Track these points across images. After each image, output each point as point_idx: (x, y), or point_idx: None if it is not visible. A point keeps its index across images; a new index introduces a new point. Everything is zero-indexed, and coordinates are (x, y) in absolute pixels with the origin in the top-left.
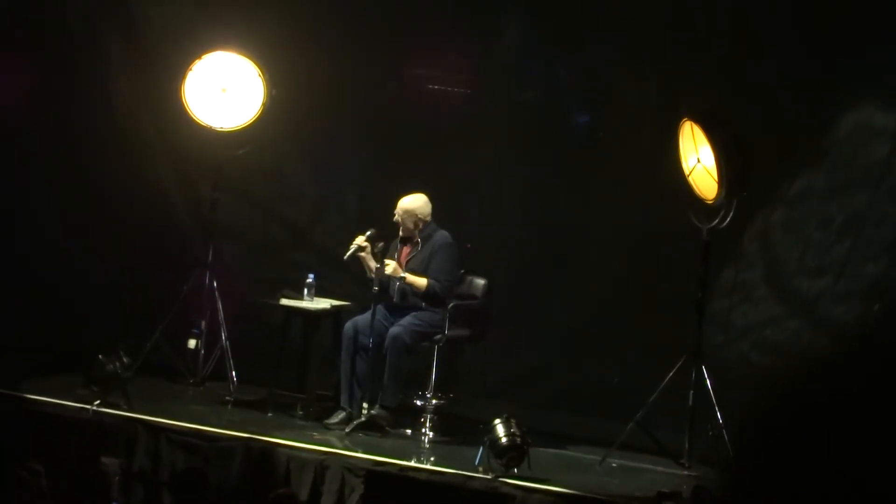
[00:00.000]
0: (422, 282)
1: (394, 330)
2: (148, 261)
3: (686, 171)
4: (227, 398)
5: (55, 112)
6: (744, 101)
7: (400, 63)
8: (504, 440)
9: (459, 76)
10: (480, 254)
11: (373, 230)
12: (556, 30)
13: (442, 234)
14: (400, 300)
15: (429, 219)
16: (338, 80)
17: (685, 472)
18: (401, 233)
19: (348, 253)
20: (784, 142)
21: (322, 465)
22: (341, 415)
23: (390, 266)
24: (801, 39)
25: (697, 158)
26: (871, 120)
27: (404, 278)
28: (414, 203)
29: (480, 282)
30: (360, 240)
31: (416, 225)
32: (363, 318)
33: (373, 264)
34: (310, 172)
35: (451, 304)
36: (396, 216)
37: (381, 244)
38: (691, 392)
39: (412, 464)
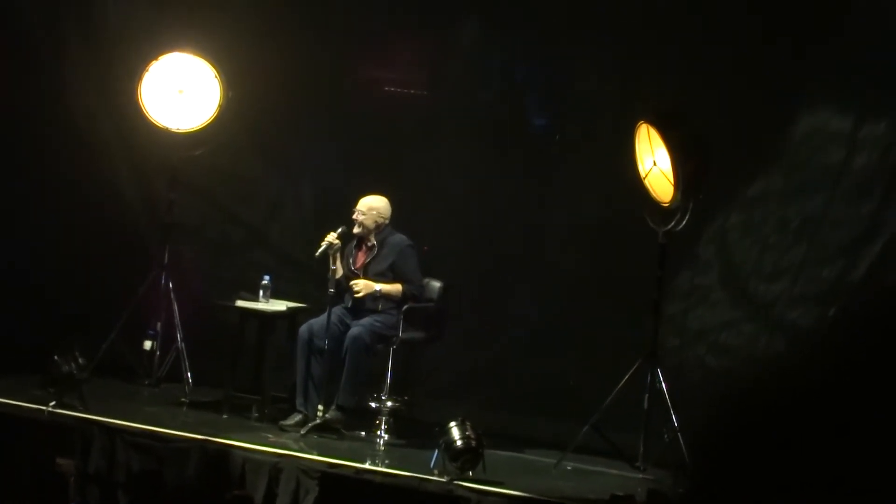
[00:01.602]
0: (397, 288)
1: (354, 330)
2: (104, 261)
3: (642, 174)
4: (183, 399)
5: (11, 111)
6: (700, 103)
7: (356, 63)
8: (459, 443)
9: (417, 75)
10: (437, 254)
11: (343, 227)
12: (513, 28)
13: (400, 237)
14: (358, 302)
15: (388, 221)
16: (294, 81)
17: (640, 476)
18: (356, 230)
19: (319, 250)
20: (741, 145)
21: (277, 467)
22: (297, 417)
23: (360, 286)
24: (760, 41)
25: (654, 161)
26: (828, 124)
27: (379, 291)
28: (378, 202)
29: (436, 284)
30: (332, 237)
31: (376, 224)
32: (318, 321)
33: (339, 266)
34: (266, 173)
35: (406, 307)
36: (357, 214)
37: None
38: (646, 395)
39: (367, 466)
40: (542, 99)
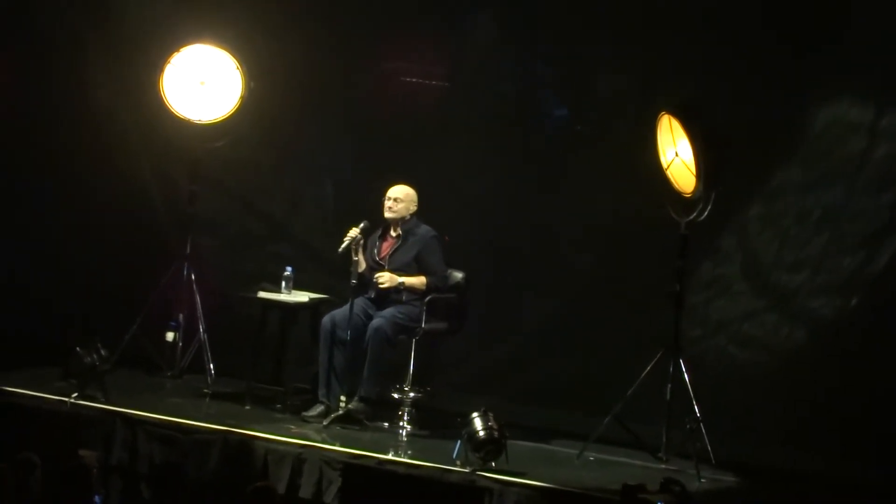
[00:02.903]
0: (421, 280)
1: (375, 321)
2: (126, 253)
3: (664, 165)
4: (205, 391)
5: (32, 106)
6: (721, 95)
7: (376, 55)
8: (482, 434)
9: (435, 69)
10: (457, 246)
11: (366, 222)
12: (531, 22)
13: (426, 229)
14: (381, 294)
15: (415, 211)
16: (315, 73)
17: (662, 466)
18: (388, 215)
19: (343, 245)
20: (762, 136)
21: (300, 458)
22: (319, 408)
23: (384, 278)
24: (777, 34)
25: (675, 152)
26: (848, 114)
27: (403, 283)
28: (410, 190)
29: (458, 275)
30: (355, 231)
31: (408, 212)
32: (341, 312)
33: (361, 259)
34: (287, 165)
35: (429, 298)
36: (390, 202)
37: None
38: (668, 385)
39: (390, 457)
40: (561, 91)
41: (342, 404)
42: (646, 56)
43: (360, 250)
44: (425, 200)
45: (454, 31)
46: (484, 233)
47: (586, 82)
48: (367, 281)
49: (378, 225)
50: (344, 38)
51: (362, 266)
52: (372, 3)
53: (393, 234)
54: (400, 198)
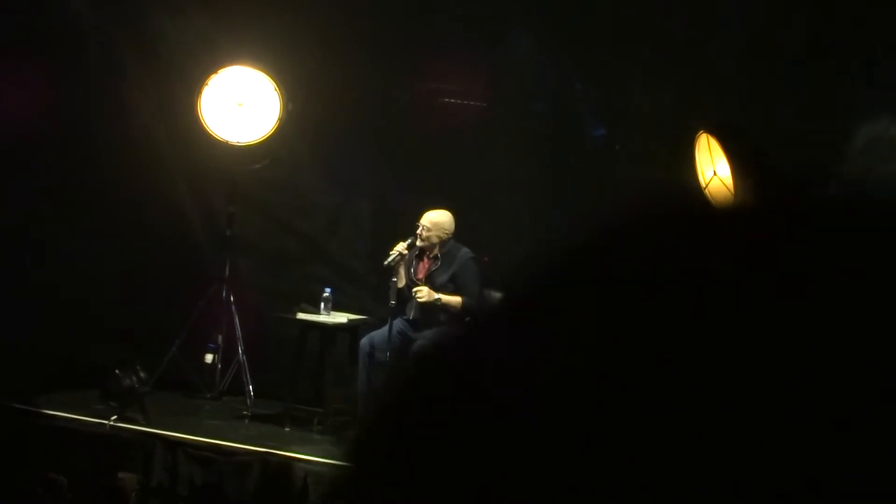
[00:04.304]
0: (457, 300)
1: (418, 343)
2: (164, 275)
3: (703, 184)
4: (244, 412)
5: (71, 126)
6: (759, 114)
7: (413, 75)
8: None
9: (473, 88)
10: (492, 267)
11: (413, 238)
12: (568, 41)
13: (464, 251)
14: (420, 316)
15: (451, 235)
16: (352, 94)
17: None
18: (419, 243)
19: (388, 259)
20: (800, 155)
21: (333, 478)
22: None
23: (423, 292)
24: (815, 52)
25: (714, 171)
26: (889, 130)
27: (440, 300)
28: (441, 217)
29: (497, 296)
30: (402, 247)
31: (440, 240)
32: (379, 333)
33: (402, 275)
34: (324, 186)
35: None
36: (421, 229)
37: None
38: None
39: None
40: (600, 110)
41: None
42: (685, 75)
43: (402, 265)
44: (463, 219)
45: (493, 50)
46: (521, 253)
47: (625, 101)
48: (405, 298)
49: (418, 245)
50: (381, 59)
51: (402, 282)
52: (410, 23)
53: (430, 255)
54: (427, 226)
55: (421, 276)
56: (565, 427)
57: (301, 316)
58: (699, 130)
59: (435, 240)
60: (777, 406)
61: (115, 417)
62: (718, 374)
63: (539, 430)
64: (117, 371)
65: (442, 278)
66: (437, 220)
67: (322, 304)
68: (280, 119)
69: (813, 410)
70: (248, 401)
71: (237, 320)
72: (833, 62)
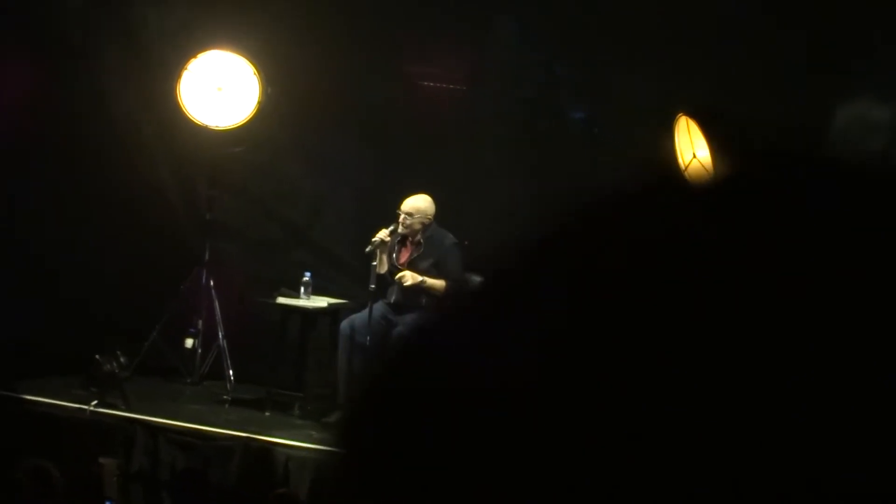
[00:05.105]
0: (441, 283)
1: (398, 329)
2: (145, 260)
3: (682, 166)
4: (225, 397)
5: (51, 112)
6: (739, 96)
7: (396, 60)
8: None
9: (455, 73)
10: (475, 253)
11: (394, 225)
12: (551, 26)
13: (448, 237)
14: (402, 299)
15: (432, 219)
16: (334, 78)
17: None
18: (401, 230)
19: (370, 247)
20: (779, 137)
21: (321, 464)
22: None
23: (406, 276)
24: (795, 35)
25: (693, 153)
26: (868, 113)
27: (424, 282)
28: (421, 203)
29: (477, 279)
30: (384, 233)
31: (422, 225)
32: (360, 317)
33: (384, 261)
34: (307, 170)
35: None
36: (403, 217)
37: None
38: None
39: None
40: (580, 94)
41: None
42: (665, 59)
43: (384, 252)
44: (445, 204)
45: (475, 35)
46: (505, 237)
47: (605, 85)
48: (386, 284)
49: (399, 232)
50: (363, 42)
51: (384, 268)
52: (392, 7)
53: (412, 240)
54: (409, 212)
55: (403, 261)
56: (546, 410)
57: (281, 300)
58: (679, 113)
59: (417, 225)
60: (777, 406)
61: (95, 403)
62: (700, 365)
63: (520, 413)
64: (98, 356)
65: (425, 264)
66: (417, 205)
67: (302, 289)
68: (259, 103)
69: (813, 410)
70: (229, 385)
71: (217, 305)
72: (814, 44)
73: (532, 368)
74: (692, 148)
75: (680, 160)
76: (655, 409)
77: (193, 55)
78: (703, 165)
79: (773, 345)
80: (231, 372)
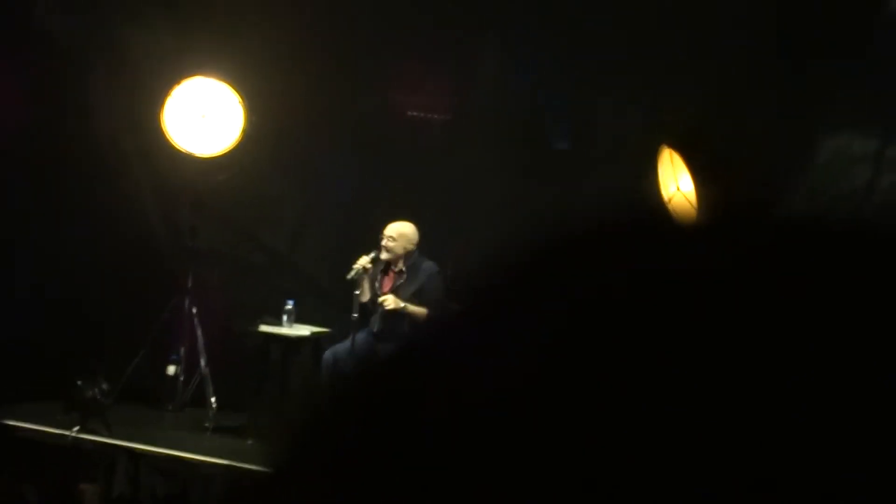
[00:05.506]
0: (422, 311)
1: (383, 349)
2: (127, 287)
3: (665, 199)
4: (207, 425)
5: (35, 135)
6: (724, 127)
7: (380, 88)
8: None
9: (440, 102)
10: (459, 280)
11: (376, 252)
12: (536, 52)
13: (429, 265)
14: (385, 328)
15: (416, 247)
16: (317, 106)
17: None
18: (384, 256)
19: (352, 273)
20: (764, 169)
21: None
22: None
23: (389, 300)
24: (783, 66)
25: (676, 186)
26: (851, 146)
27: (405, 308)
28: (405, 228)
29: (458, 308)
30: (365, 260)
31: (405, 251)
32: (343, 347)
33: (366, 290)
34: (289, 198)
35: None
36: (386, 240)
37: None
38: None
39: None
40: (564, 121)
41: None
42: (651, 87)
43: (366, 281)
44: (429, 232)
45: (459, 61)
46: (488, 264)
47: (590, 112)
48: (368, 312)
49: (382, 258)
50: (349, 71)
51: (366, 296)
52: (377, 35)
53: (395, 269)
54: (393, 237)
55: (386, 290)
56: (526, 427)
57: (263, 328)
58: (662, 145)
59: (400, 251)
60: (777, 406)
61: (77, 428)
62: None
63: (501, 429)
64: (79, 382)
65: (407, 292)
66: (401, 230)
67: (285, 317)
68: (243, 131)
69: (812, 410)
70: (211, 412)
71: (200, 332)
72: (799, 75)
73: (515, 386)
74: (675, 181)
75: (663, 193)
76: (655, 410)
77: (177, 81)
78: (686, 199)
79: (773, 345)
80: (213, 399)
